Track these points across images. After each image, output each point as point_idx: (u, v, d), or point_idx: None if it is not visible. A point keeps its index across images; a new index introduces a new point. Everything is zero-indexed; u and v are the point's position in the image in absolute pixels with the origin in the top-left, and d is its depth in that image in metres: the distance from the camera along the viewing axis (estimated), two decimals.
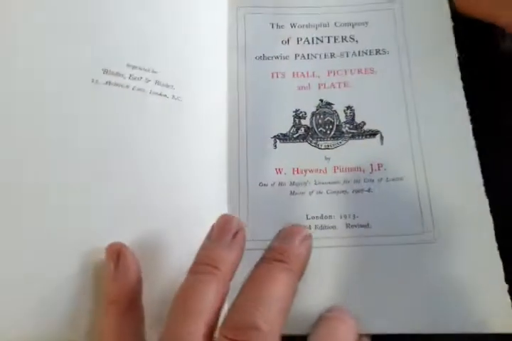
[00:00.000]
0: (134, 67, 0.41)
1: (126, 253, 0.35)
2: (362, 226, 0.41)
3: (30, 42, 0.39)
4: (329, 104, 0.45)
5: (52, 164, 0.37)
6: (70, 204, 0.36)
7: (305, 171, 0.43)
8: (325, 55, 0.46)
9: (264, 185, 0.42)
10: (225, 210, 0.41)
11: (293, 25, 0.47)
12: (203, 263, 0.32)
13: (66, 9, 0.41)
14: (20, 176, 0.36)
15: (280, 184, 0.42)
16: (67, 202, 0.36)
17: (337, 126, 0.44)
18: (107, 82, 0.40)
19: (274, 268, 0.32)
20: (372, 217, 0.41)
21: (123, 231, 0.37)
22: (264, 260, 0.33)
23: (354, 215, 0.41)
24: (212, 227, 0.34)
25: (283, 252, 0.32)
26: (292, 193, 0.42)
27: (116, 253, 0.35)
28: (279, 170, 0.43)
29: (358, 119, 0.44)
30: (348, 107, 0.44)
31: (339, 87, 0.45)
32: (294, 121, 0.44)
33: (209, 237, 0.34)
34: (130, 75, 0.41)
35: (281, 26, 0.47)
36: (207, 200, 0.41)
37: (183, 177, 0.40)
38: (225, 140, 0.43)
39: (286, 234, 0.34)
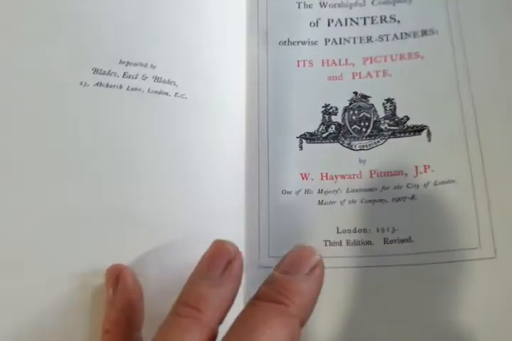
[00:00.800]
0: (128, 64, 0.37)
1: (126, 277, 0.31)
2: (403, 241, 0.36)
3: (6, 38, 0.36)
4: (365, 96, 0.40)
5: (42, 178, 0.34)
6: (63, 214, 0.33)
7: (336, 177, 0.38)
8: (360, 40, 0.41)
9: (288, 192, 0.38)
10: (242, 222, 0.38)
11: (323, 5, 0.42)
12: (185, 304, 0.28)
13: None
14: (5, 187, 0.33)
15: (306, 192, 0.38)
16: (61, 213, 0.33)
17: (374, 122, 0.39)
18: (97, 84, 0.36)
19: (269, 313, 0.26)
20: (416, 230, 0.36)
21: (125, 244, 0.34)
22: (258, 299, 0.27)
23: (394, 228, 0.36)
24: (203, 257, 0.30)
25: (282, 289, 0.27)
26: (320, 202, 0.38)
27: (116, 277, 0.32)
28: (305, 176, 0.38)
29: (399, 114, 0.39)
30: (388, 100, 0.39)
31: (377, 76, 0.40)
32: (324, 117, 0.40)
33: (196, 269, 0.29)
34: (124, 73, 0.37)
35: (309, 5, 0.42)
36: (221, 211, 0.37)
37: (194, 185, 0.37)
38: (242, 141, 0.39)
39: (290, 261, 0.28)
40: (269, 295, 0.27)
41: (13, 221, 0.33)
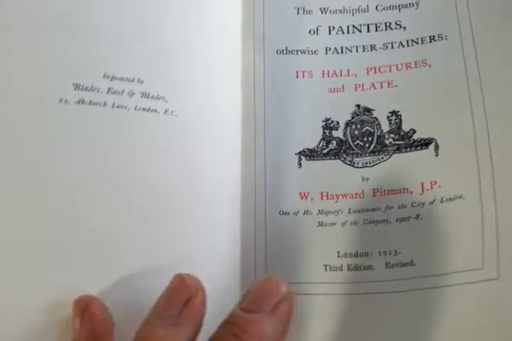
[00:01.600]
0: (113, 78, 0.35)
1: (94, 310, 0.30)
2: (404, 264, 0.35)
3: None
4: (368, 110, 0.38)
5: (16, 202, 0.32)
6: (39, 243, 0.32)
7: (337, 196, 0.37)
8: (363, 48, 0.40)
9: (286, 213, 0.37)
10: (237, 245, 0.37)
11: (323, 10, 0.41)
12: None
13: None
14: None
15: (305, 212, 0.37)
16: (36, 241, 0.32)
17: (378, 137, 0.38)
18: (79, 101, 0.34)
19: None
20: (418, 252, 0.35)
21: (111, 269, 0.33)
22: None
23: (396, 251, 0.35)
24: (161, 293, 0.29)
25: (241, 332, 0.26)
26: (321, 224, 0.37)
27: (83, 310, 0.30)
28: (304, 195, 0.37)
29: (405, 127, 0.38)
30: (393, 112, 0.38)
31: (381, 87, 0.39)
32: (324, 132, 0.38)
33: (153, 307, 0.28)
34: (109, 89, 0.35)
35: (309, 11, 0.41)
36: (215, 233, 0.36)
37: (185, 208, 0.36)
38: (238, 158, 0.38)
39: (252, 297, 0.27)
40: (225, 339, 0.26)
41: None
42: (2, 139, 0.32)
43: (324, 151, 0.38)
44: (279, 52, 0.40)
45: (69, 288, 0.31)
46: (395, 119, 0.38)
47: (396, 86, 0.39)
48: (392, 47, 0.40)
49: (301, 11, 0.41)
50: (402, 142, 0.37)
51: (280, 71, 0.40)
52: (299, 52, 0.40)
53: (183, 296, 0.28)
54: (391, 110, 0.38)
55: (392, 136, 0.38)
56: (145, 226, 0.34)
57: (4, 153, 0.32)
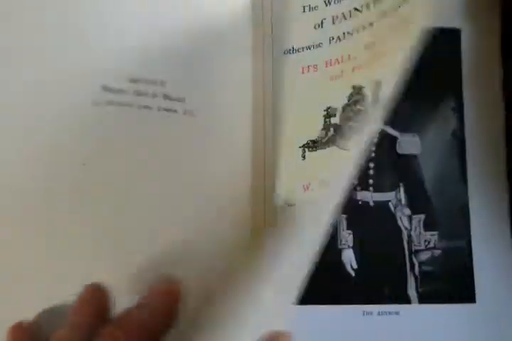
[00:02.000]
0: (138, 81, 0.38)
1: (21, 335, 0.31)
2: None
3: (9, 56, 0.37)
4: (360, 88, 0.36)
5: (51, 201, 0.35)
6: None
7: (332, 183, 0.36)
8: (363, 27, 0.38)
9: (291, 205, 0.38)
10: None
11: (328, 3, 0.40)
12: None
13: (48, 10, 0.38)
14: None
15: (307, 202, 0.37)
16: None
17: (365, 112, 0.36)
18: (108, 102, 0.37)
19: None
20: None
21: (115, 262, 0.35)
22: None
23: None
24: None
25: (124, 320, 0.28)
26: (317, 212, 0.36)
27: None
28: (306, 187, 0.37)
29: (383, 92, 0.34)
30: (377, 82, 0.35)
31: (376, 58, 0.36)
32: (325, 121, 0.38)
33: None
34: (134, 91, 0.38)
35: (315, 7, 0.41)
36: (227, 227, 0.38)
37: (198, 201, 0.38)
38: (248, 156, 0.39)
39: (147, 293, 0.30)
40: (106, 333, 0.28)
41: None
42: (41, 139, 0.36)
43: (324, 140, 0.37)
44: (286, 52, 0.41)
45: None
46: (376, 88, 0.35)
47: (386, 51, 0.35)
48: (386, 16, 0.36)
49: (307, 9, 0.41)
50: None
51: (287, 70, 0.40)
52: (305, 49, 0.40)
53: (87, 303, 0.30)
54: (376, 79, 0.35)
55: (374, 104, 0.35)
56: (158, 224, 0.37)
57: (43, 152, 0.36)
